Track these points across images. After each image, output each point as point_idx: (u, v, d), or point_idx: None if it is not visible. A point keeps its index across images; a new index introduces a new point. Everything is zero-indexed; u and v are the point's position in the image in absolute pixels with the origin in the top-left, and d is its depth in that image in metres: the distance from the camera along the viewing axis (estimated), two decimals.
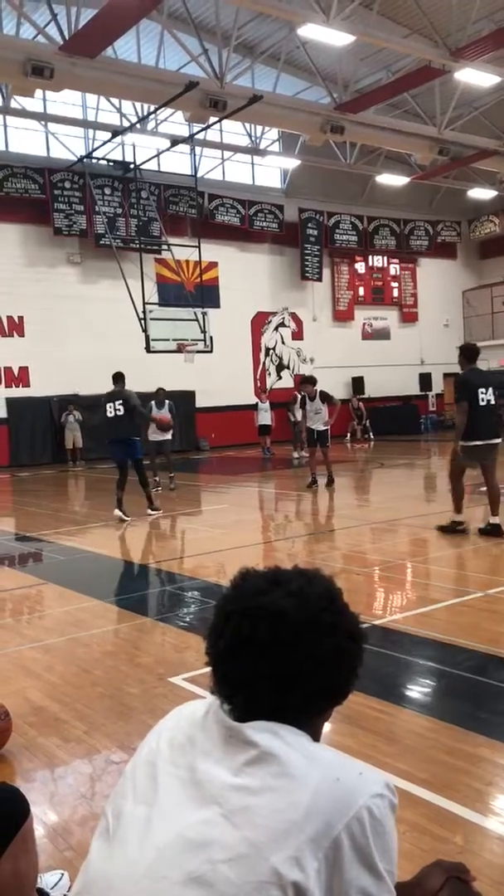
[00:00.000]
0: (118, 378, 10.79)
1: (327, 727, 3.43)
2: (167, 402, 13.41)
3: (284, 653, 1.14)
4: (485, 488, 8.15)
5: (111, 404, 10.50)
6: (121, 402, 10.45)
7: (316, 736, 1.20)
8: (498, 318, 27.84)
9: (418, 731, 3.44)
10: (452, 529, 7.91)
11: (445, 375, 28.33)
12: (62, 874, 2.36)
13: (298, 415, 16.53)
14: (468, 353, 8.04)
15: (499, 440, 8.00)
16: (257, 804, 1.04)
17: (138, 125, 19.15)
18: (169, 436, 13.00)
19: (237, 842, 1.02)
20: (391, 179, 23.87)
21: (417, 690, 4.04)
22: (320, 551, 7.93)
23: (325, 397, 12.92)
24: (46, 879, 2.31)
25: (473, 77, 17.03)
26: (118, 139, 19.61)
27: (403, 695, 3.96)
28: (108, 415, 10.54)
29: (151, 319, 17.87)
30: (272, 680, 1.14)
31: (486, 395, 7.73)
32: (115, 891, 1.07)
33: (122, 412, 10.42)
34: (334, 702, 1.22)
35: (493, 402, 7.82)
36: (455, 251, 29.03)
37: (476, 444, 7.76)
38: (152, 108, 18.02)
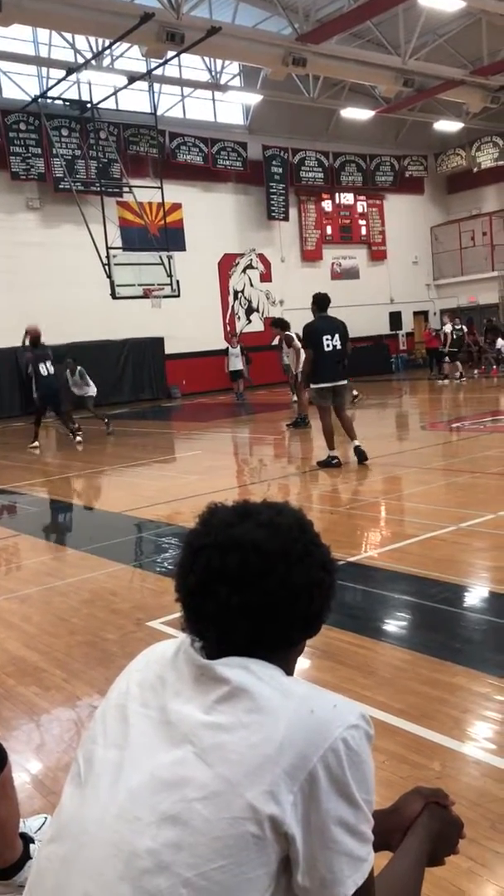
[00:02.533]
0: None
1: (305, 663, 3.48)
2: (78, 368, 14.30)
3: (257, 584, 1.11)
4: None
5: (44, 364, 12.69)
6: (50, 361, 12.84)
7: (289, 669, 1.19)
8: (466, 253, 27.67)
9: (395, 664, 3.49)
10: (328, 463, 8.59)
11: (415, 314, 28.27)
12: (45, 818, 2.37)
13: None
14: (319, 302, 8.72)
15: (345, 382, 8.72)
16: (230, 741, 1.03)
17: (93, 61, 18.45)
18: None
19: (211, 779, 1.01)
20: (356, 113, 23.35)
21: (393, 624, 4.09)
22: (295, 492, 7.95)
23: (287, 340, 13.26)
24: (30, 824, 2.33)
25: (437, 2, 16.56)
26: (73, 77, 18.85)
27: (380, 629, 4.01)
28: (44, 374, 12.71)
29: (116, 265, 17.52)
30: (244, 612, 1.12)
31: (331, 341, 8.40)
32: (88, 834, 1.06)
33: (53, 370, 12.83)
34: (307, 633, 1.20)
35: (338, 346, 8.46)
36: (422, 186, 28.65)
37: (323, 387, 8.51)
38: (107, 43, 17.34)
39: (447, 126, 25.13)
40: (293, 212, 25.52)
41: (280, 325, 14.08)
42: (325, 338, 8.43)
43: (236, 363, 20.39)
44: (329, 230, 26.53)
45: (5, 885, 2.07)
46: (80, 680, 3.57)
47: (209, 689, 1.09)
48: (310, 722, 1.04)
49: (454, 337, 20.50)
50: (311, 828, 1.01)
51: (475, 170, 26.85)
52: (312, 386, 8.63)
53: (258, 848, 0.99)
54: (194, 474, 9.30)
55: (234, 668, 1.09)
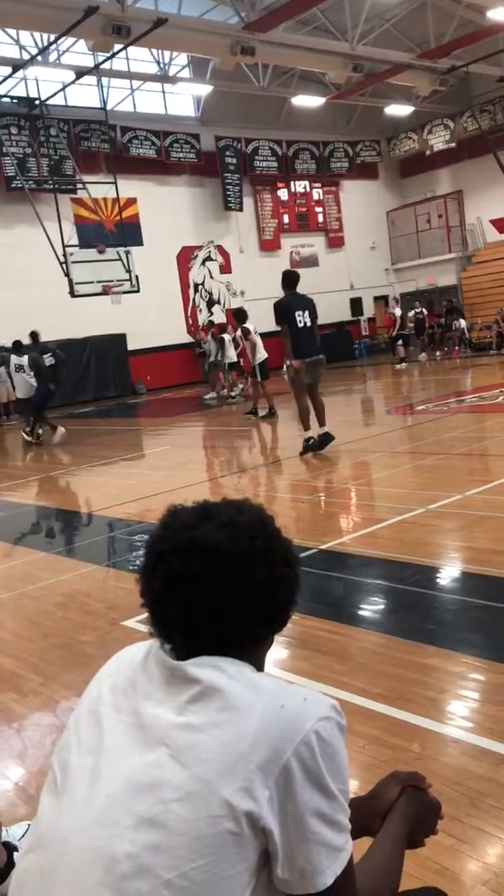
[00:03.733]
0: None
1: (283, 653, 3.50)
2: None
3: (220, 585, 1.12)
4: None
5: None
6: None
7: (259, 665, 1.19)
8: (423, 236, 27.84)
9: (371, 648, 3.52)
10: (307, 447, 8.56)
11: (375, 299, 28.39)
12: (28, 825, 2.35)
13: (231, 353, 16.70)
14: (289, 279, 8.76)
15: (321, 356, 8.87)
16: (203, 740, 1.03)
17: (39, 57, 18.17)
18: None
19: (186, 780, 1.01)
20: (307, 101, 23.31)
21: (367, 609, 4.12)
22: (266, 483, 7.97)
23: (245, 332, 13.51)
24: (13, 831, 2.31)
25: None
26: (20, 73, 18.58)
27: (354, 614, 4.04)
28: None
29: (73, 263, 17.35)
30: (210, 614, 1.12)
31: (303, 317, 8.49)
32: (66, 842, 1.06)
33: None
34: (274, 629, 1.21)
35: (308, 323, 8.58)
36: (376, 171, 28.74)
37: (305, 362, 8.53)
38: (53, 38, 17.10)
39: (398, 110, 25.21)
40: (249, 202, 25.46)
41: (237, 316, 14.06)
42: (297, 313, 8.46)
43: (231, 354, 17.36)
44: (286, 219, 26.52)
45: None
46: (58, 683, 3.56)
47: (180, 690, 1.09)
48: (281, 716, 1.04)
49: (416, 319, 20.65)
50: (288, 821, 1.01)
51: (428, 153, 26.99)
52: (289, 362, 8.58)
53: (237, 844, 0.99)
54: (163, 470, 9.27)
55: (205, 668, 1.09)
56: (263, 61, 20.07)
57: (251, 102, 23.60)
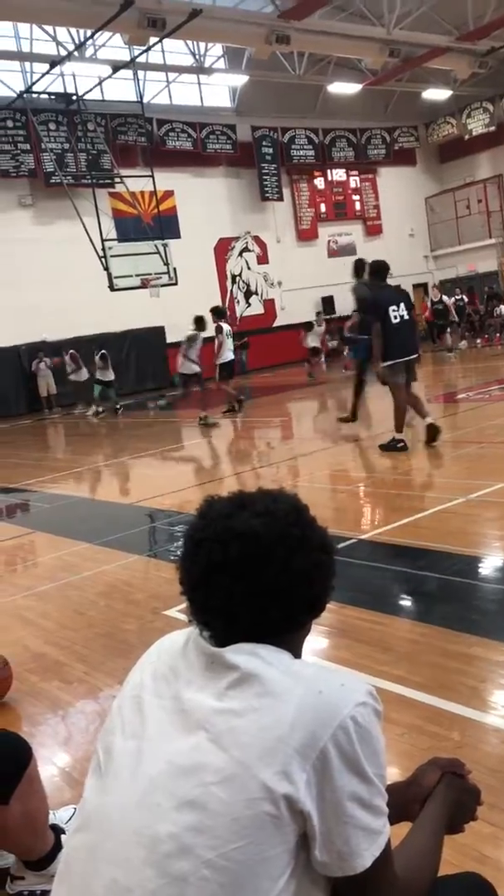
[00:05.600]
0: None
1: (323, 642, 3.51)
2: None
3: (258, 572, 1.14)
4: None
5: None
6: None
7: (297, 651, 1.21)
8: (462, 222, 27.45)
9: (412, 638, 3.52)
10: (393, 447, 7.81)
11: (414, 286, 28.08)
12: (74, 809, 2.41)
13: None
14: (379, 270, 7.94)
15: (417, 355, 7.94)
16: (242, 725, 1.06)
17: (76, 53, 18.30)
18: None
19: (226, 763, 1.04)
20: (343, 88, 23.12)
21: (408, 599, 4.12)
22: (306, 473, 7.97)
23: (218, 329, 13.16)
24: (60, 815, 2.37)
25: None
26: (57, 70, 18.70)
27: (395, 604, 4.03)
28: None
29: (112, 257, 17.44)
30: (248, 600, 1.14)
31: (397, 312, 7.57)
32: (111, 822, 1.09)
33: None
34: (312, 615, 1.22)
35: (405, 317, 7.64)
36: (414, 157, 28.40)
37: (395, 363, 7.63)
38: (89, 34, 17.20)
39: (436, 94, 24.87)
40: (286, 192, 25.37)
41: (215, 312, 13.56)
42: (391, 308, 7.55)
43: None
44: (323, 208, 26.37)
45: (39, 876, 2.12)
46: (101, 672, 3.62)
47: (220, 676, 1.11)
48: (319, 702, 1.06)
49: (457, 307, 20.32)
50: (326, 804, 1.03)
51: (466, 137, 26.60)
52: (383, 364, 7.64)
53: (275, 827, 1.01)
54: (201, 462, 9.33)
55: (243, 655, 1.12)
56: (299, 49, 19.96)
57: (287, 91, 23.47)
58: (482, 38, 20.66)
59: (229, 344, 13.20)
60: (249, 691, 1.08)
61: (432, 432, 7.73)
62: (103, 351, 17.14)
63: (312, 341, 20.06)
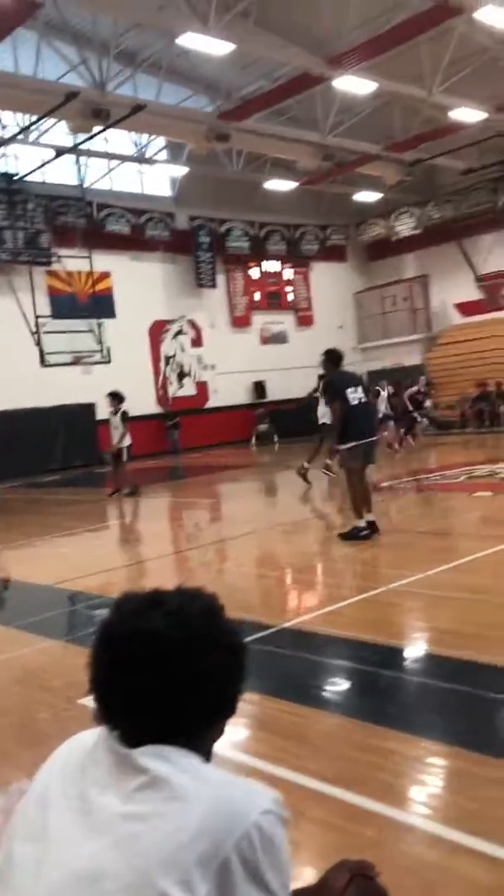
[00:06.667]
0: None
1: (240, 734, 3.46)
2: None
3: (164, 673, 1.14)
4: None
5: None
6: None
7: (208, 753, 1.20)
8: (388, 318, 28.59)
9: (329, 731, 3.50)
10: (354, 535, 7.59)
11: None
12: None
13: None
14: (334, 357, 8.19)
15: (375, 438, 8.08)
16: (145, 830, 1.04)
17: (20, 136, 18.73)
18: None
19: (127, 870, 1.02)
20: (279, 185, 24.18)
21: (328, 690, 4.11)
22: (232, 557, 7.95)
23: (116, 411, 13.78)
24: None
25: (351, 85, 17.46)
26: (0, 150, 19.12)
27: (314, 695, 4.01)
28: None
29: (45, 333, 17.54)
30: (155, 702, 1.14)
31: (355, 394, 7.70)
32: None
33: None
34: (222, 716, 1.22)
35: (363, 399, 7.79)
36: (345, 254, 29.65)
37: (354, 445, 7.63)
38: (33, 119, 17.67)
39: (366, 197, 26.19)
40: (221, 279, 26.04)
41: (115, 396, 14.21)
42: (349, 390, 7.68)
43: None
44: (257, 297, 27.12)
45: None
46: (11, 764, 3.47)
47: (128, 778, 1.10)
48: (224, 809, 1.05)
49: (414, 400, 19.27)
50: None
51: (394, 238, 27.99)
52: (342, 446, 7.70)
53: None
54: (127, 542, 9.22)
55: (152, 758, 1.11)
56: (237, 147, 20.84)
57: (225, 185, 24.38)
58: (409, 149, 22.02)
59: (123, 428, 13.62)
60: (156, 796, 1.07)
61: (372, 529, 7.61)
62: None
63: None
